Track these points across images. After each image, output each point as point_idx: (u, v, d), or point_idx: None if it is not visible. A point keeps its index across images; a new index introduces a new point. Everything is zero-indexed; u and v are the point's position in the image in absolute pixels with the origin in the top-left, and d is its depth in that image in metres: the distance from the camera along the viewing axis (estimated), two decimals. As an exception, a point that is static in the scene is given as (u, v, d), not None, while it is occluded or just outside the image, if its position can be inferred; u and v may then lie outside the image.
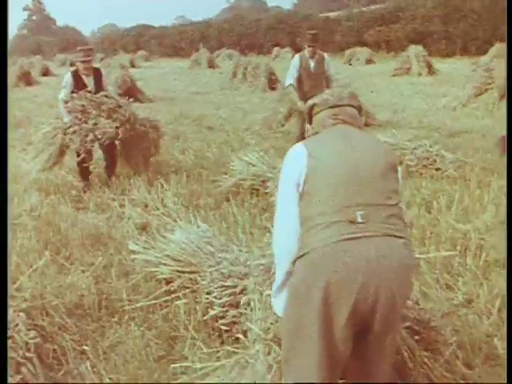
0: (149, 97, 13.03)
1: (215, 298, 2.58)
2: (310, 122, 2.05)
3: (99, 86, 5.55)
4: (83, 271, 3.50)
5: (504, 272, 3.30)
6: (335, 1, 62.65)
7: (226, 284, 2.63)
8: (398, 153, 5.97)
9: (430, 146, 5.89)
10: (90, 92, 5.40)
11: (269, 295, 2.01)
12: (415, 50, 17.87)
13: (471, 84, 9.87)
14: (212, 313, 2.62)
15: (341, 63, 23.92)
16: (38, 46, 56.02)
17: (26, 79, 19.03)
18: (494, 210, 4.31)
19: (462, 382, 2.29)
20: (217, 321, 2.63)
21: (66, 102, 5.41)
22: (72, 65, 32.29)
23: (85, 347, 2.65)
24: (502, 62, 10.16)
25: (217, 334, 2.65)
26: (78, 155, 5.31)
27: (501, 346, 2.62)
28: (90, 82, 5.48)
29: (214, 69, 23.63)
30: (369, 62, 24.79)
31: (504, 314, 2.86)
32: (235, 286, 2.54)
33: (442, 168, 5.54)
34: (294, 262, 1.74)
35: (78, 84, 5.41)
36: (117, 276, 3.41)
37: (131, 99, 6.03)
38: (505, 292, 3.05)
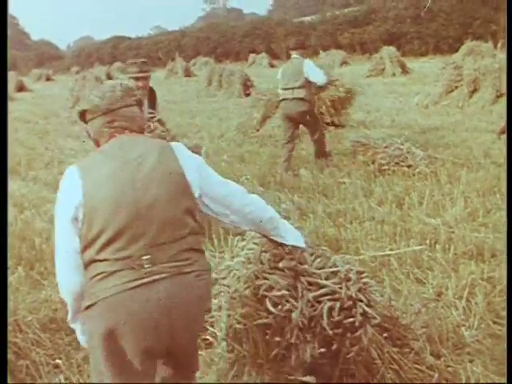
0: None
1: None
2: (88, 133, 1.79)
3: (151, 107, 4.45)
4: (57, 285, 3.48)
5: (471, 263, 3.38)
6: (309, 5, 63.27)
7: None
8: (371, 152, 6.08)
9: (402, 144, 5.99)
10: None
11: (233, 297, 2.04)
12: (388, 51, 18.14)
13: (442, 82, 10.06)
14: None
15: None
16: (13, 62, 55.40)
17: (0, 96, 18.76)
18: (463, 203, 4.41)
19: (430, 372, 2.34)
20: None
21: None
22: (47, 79, 31.95)
23: (58, 361, 2.65)
24: (471, 60, 10.40)
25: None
26: None
27: (469, 335, 2.69)
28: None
29: (190, 77, 23.64)
30: (344, 64, 25.04)
31: (473, 305, 2.93)
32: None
33: (413, 165, 5.63)
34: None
35: None
36: (91, 288, 3.40)
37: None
38: (473, 282, 3.13)
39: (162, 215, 1.56)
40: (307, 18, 39.10)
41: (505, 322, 2.81)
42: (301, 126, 6.26)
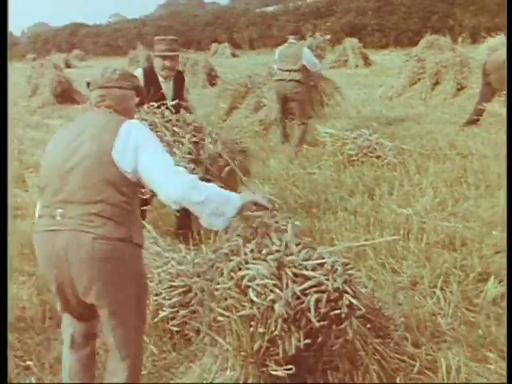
0: (87, 98, 12.59)
1: (164, 299, 2.53)
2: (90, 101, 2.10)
3: (178, 94, 3.97)
4: (24, 282, 3.35)
5: (445, 252, 3.45)
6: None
7: (174, 284, 2.58)
8: (339, 143, 6.10)
9: (370, 135, 6.04)
10: (165, 104, 3.65)
11: (217, 289, 1.99)
12: (350, 42, 18.35)
13: (405, 74, 10.23)
14: (162, 314, 2.56)
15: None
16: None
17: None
18: (432, 193, 4.49)
19: (411, 361, 2.36)
20: (168, 322, 2.58)
21: None
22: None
23: (29, 362, 2.53)
24: (431, 53, 10.61)
25: (168, 336, 2.60)
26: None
27: (444, 323, 2.73)
28: (168, 87, 3.95)
29: (152, 66, 23.14)
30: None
31: (447, 293, 2.98)
32: (184, 286, 2.50)
33: (382, 155, 5.70)
34: None
35: (150, 88, 3.61)
36: (60, 284, 3.27)
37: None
38: (446, 271, 3.19)
39: (79, 179, 1.80)
40: (269, 9, 39.04)
41: (478, 308, 2.89)
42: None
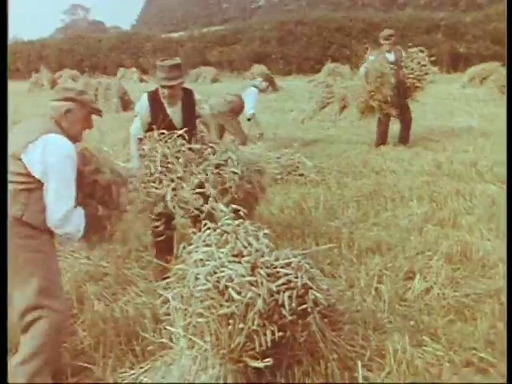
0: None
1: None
2: None
3: (188, 120, 3.66)
4: None
5: (375, 256, 3.83)
6: (173, 23, 63.76)
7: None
8: (263, 162, 6.41)
9: (292, 155, 6.44)
10: (175, 132, 3.45)
11: (197, 291, 2.13)
12: (259, 68, 19.07)
13: (315, 99, 10.90)
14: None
15: (188, 82, 24.40)
16: None
17: None
18: (356, 205, 4.92)
19: (362, 351, 2.65)
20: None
21: (140, 140, 3.58)
22: None
23: None
24: (338, 80, 11.45)
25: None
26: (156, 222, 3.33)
27: (381, 317, 3.06)
28: (175, 112, 3.63)
29: (57, 91, 22.27)
30: (215, 80, 25.68)
31: (381, 293, 3.33)
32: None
33: (305, 173, 6.10)
34: None
35: (157, 112, 3.55)
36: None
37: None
38: (378, 272, 3.56)
39: None
40: (175, 35, 39.34)
41: (409, 303, 3.27)
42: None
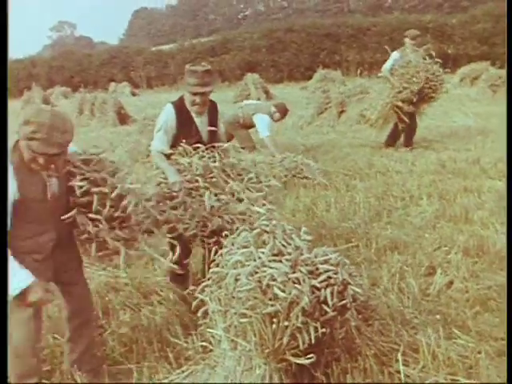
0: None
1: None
2: None
3: (213, 133, 3.46)
4: None
5: (395, 254, 3.87)
6: (161, 35, 64.05)
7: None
8: (266, 167, 6.45)
9: (294, 157, 6.46)
10: (214, 146, 3.32)
11: (240, 292, 2.15)
12: (252, 77, 19.19)
13: (312, 105, 11.02)
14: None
15: (178, 94, 24.44)
16: None
17: None
18: (368, 206, 4.98)
19: (394, 346, 2.68)
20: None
21: (167, 157, 3.33)
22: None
23: None
24: (333, 85, 11.59)
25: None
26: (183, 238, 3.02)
27: (407, 312, 3.10)
28: (202, 122, 3.42)
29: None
30: (208, 91, 25.80)
31: (405, 287, 3.37)
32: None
33: (311, 177, 6.12)
34: None
35: (184, 123, 3.36)
36: None
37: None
38: (401, 269, 3.60)
39: None
40: (165, 47, 39.46)
41: (432, 298, 3.31)
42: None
